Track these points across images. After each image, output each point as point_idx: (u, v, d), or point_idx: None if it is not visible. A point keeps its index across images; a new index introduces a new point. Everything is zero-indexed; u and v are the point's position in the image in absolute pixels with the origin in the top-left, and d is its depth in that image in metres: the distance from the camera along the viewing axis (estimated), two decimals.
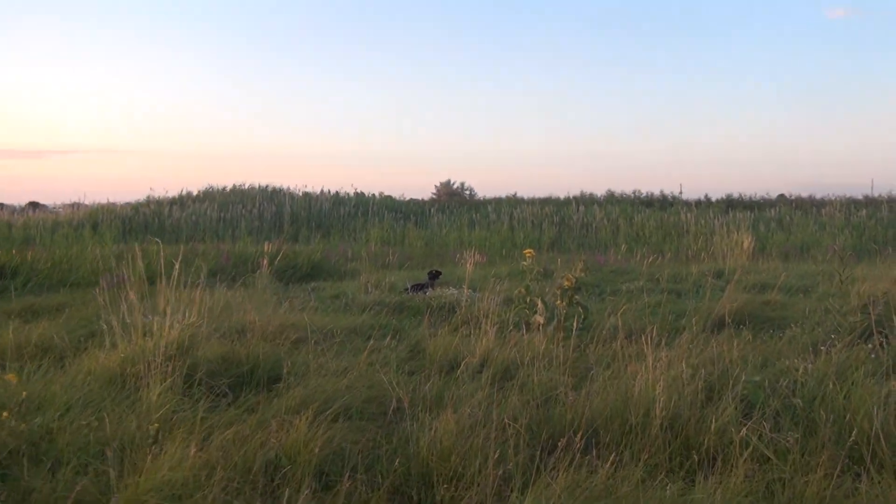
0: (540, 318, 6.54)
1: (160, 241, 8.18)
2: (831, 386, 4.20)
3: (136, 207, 30.13)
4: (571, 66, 61.70)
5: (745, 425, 3.68)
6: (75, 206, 32.31)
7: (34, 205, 36.62)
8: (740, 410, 3.97)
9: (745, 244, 15.67)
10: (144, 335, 5.12)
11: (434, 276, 11.10)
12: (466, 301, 8.41)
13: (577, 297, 6.56)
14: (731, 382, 4.23)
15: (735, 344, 5.46)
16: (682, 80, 60.28)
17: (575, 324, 6.06)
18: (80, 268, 12.74)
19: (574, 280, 6.46)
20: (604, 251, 20.69)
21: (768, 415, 3.93)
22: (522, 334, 5.94)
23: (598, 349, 5.67)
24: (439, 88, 62.84)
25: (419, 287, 10.83)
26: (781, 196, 32.50)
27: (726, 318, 7.36)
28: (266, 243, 13.60)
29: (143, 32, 59.61)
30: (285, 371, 4.51)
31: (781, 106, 58.34)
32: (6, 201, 37.56)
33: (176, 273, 5.97)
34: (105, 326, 5.42)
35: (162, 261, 6.04)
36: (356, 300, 9.62)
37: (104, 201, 31.73)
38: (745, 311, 8.25)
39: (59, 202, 36.29)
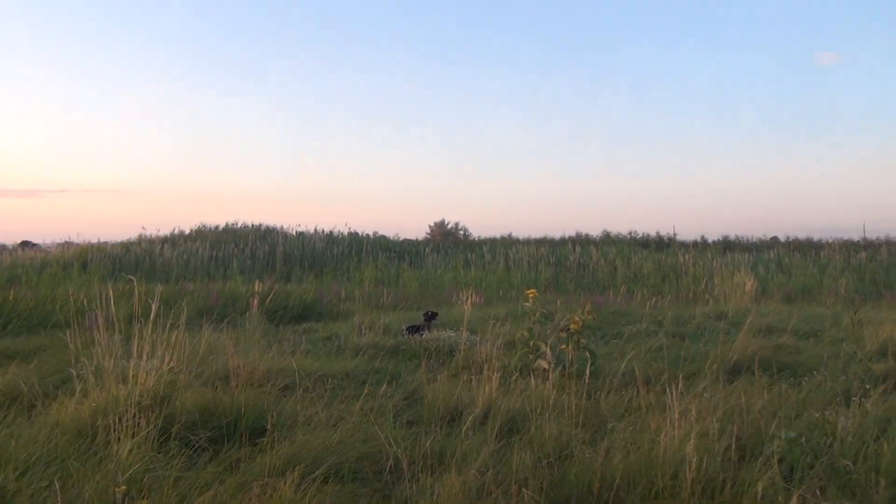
0: (545, 364, 6.14)
1: (134, 280, 7.74)
2: (873, 444, 3.80)
3: (126, 246, 29.75)
4: (564, 106, 62.03)
5: (789, 489, 3.27)
6: (66, 246, 31.95)
7: (26, 243, 36.18)
8: (780, 472, 3.55)
9: (748, 286, 15.34)
10: (119, 382, 4.69)
11: (430, 317, 10.70)
12: (465, 344, 8.01)
13: (583, 340, 6.17)
14: (763, 438, 3.82)
15: (758, 393, 5.06)
16: (676, 121, 60.62)
17: (587, 370, 5.66)
18: (64, 308, 12.29)
19: (581, 323, 6.08)
20: (602, 292, 20.34)
21: (811, 476, 3.52)
22: (529, 381, 5.53)
23: (611, 398, 5.26)
24: (432, 128, 63.05)
25: (415, 329, 10.42)
26: (776, 238, 32.36)
27: (740, 363, 6.98)
28: (256, 282, 13.16)
29: (136, 69, 59.76)
30: (270, 424, 4.08)
31: (774, 147, 58.63)
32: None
33: (153, 314, 5.53)
34: (75, 373, 4.99)
35: (138, 302, 5.58)
36: (349, 342, 9.20)
37: (95, 240, 31.42)
38: (759, 356, 7.85)
39: (51, 241, 35.90)
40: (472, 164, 61.85)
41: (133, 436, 3.97)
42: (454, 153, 62.78)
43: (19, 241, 37.11)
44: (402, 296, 17.85)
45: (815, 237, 30.64)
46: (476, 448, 3.98)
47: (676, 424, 3.76)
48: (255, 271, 27.18)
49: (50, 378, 6.40)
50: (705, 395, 4.75)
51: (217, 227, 34.23)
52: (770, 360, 8.01)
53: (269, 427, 4.12)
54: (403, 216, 61.19)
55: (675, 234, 32.30)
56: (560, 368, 6.00)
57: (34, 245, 34.91)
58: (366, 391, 5.64)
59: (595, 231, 33.78)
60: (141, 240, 31.42)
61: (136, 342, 5.36)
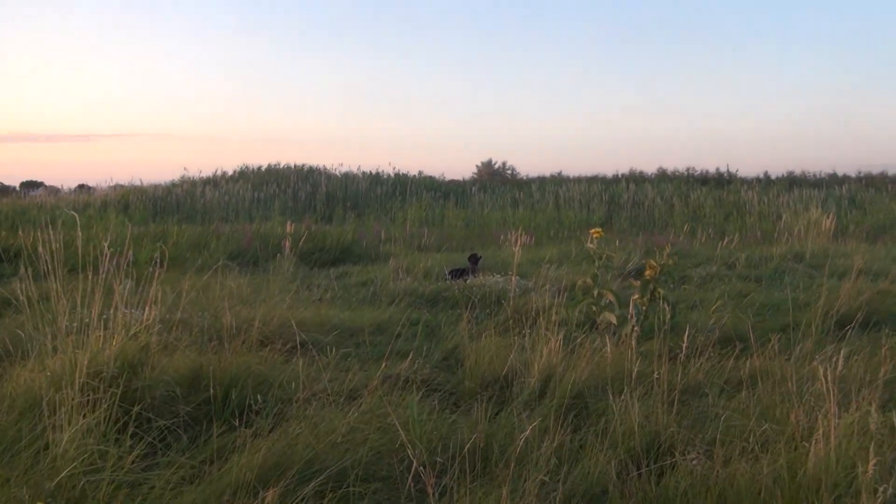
0: (612, 317, 5.05)
1: (176, 222, 6.84)
2: None
3: (168, 188, 29.17)
4: (611, 42, 59.28)
5: None
6: (116, 188, 31.62)
7: (82, 187, 36.03)
8: None
9: (825, 224, 13.87)
10: (80, 346, 3.74)
11: (475, 260, 9.63)
12: (515, 291, 6.94)
13: (660, 289, 5.05)
14: None
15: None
16: (729, 54, 57.44)
17: (664, 326, 4.55)
18: (85, 251, 11.58)
19: (657, 269, 4.95)
20: (660, 231, 19.00)
21: None
22: (595, 340, 4.45)
23: (704, 364, 4.15)
24: (478, 67, 60.99)
25: (458, 273, 9.39)
26: (845, 174, 30.24)
27: (847, 316, 5.78)
28: (288, 223, 12.23)
29: (184, 16, 58.82)
30: (258, 403, 3.11)
31: (835, 80, 55.23)
32: (56, 183, 37.17)
33: (155, 258, 4.59)
34: (42, 332, 4.08)
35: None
36: (385, 289, 8.21)
37: (139, 183, 30.96)
38: (864, 305, 6.63)
39: (105, 184, 35.70)
40: (520, 102, 59.87)
41: (84, 416, 3.04)
42: (501, 92, 60.79)
43: (76, 185, 37.02)
44: (447, 236, 16.81)
45: (890, 171, 28.47)
46: (534, 442, 2.94)
47: (830, 425, 2.58)
48: (297, 212, 26.41)
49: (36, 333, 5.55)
50: (834, 358, 3.58)
51: (260, 168, 33.43)
52: (877, 309, 6.79)
53: (260, 406, 3.14)
54: (450, 158, 59.89)
55: (735, 171, 30.45)
56: (632, 324, 4.91)
57: (90, 189, 34.69)
58: (393, 347, 4.64)
59: (650, 168, 32.09)
60: (183, 181, 30.81)
61: (146, 291, 4.43)
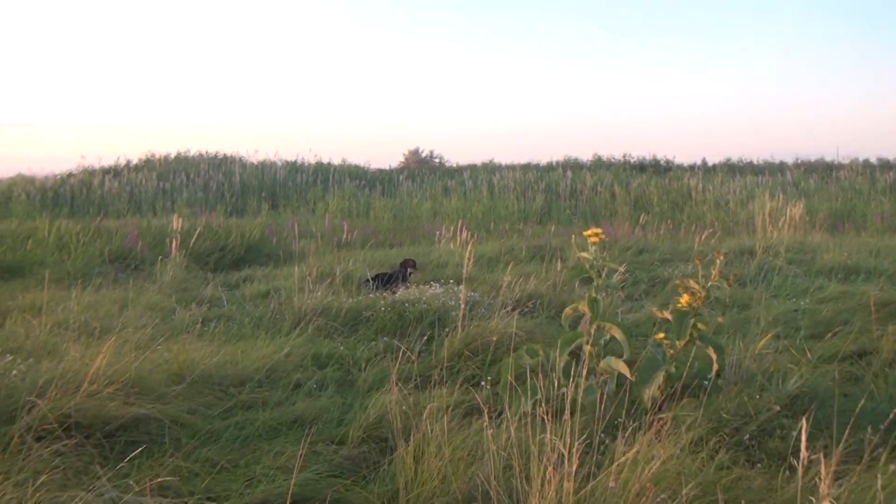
0: (621, 366, 3.25)
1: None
2: None
3: (62, 178, 26.22)
4: (541, 26, 57.99)
5: None
6: None
7: None
8: None
9: (795, 212, 12.51)
10: None
11: (406, 266, 7.73)
12: (464, 310, 5.06)
13: (701, 326, 3.27)
14: None
15: None
16: (656, 41, 56.95)
17: (710, 380, 2.77)
18: None
19: (702, 295, 3.18)
20: (604, 221, 17.50)
21: None
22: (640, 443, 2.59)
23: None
24: (402, 52, 58.84)
25: (385, 279, 7.50)
26: (782, 162, 29.54)
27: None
28: (176, 218, 10.03)
29: None
30: None
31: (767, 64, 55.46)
32: None
33: None
34: None
35: None
36: (289, 305, 6.22)
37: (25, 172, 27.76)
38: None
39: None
40: (446, 89, 58.05)
41: None
42: (426, 78, 58.83)
43: None
44: (373, 230, 14.86)
45: (827, 158, 27.87)
46: None
47: None
48: (207, 203, 24.04)
49: None
50: None
51: (167, 157, 30.59)
52: None
53: None
54: (374, 147, 57.54)
55: (673, 157, 29.38)
56: (657, 382, 3.12)
57: None
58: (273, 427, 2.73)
59: (585, 156, 30.71)
60: (79, 171, 27.78)
61: None
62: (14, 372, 3.53)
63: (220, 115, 55.59)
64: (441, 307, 5.69)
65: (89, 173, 27.20)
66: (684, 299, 3.21)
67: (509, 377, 3.63)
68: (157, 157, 30.57)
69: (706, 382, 3.19)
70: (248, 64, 58.36)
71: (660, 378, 3.12)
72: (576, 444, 2.13)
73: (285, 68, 58.19)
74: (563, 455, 2.15)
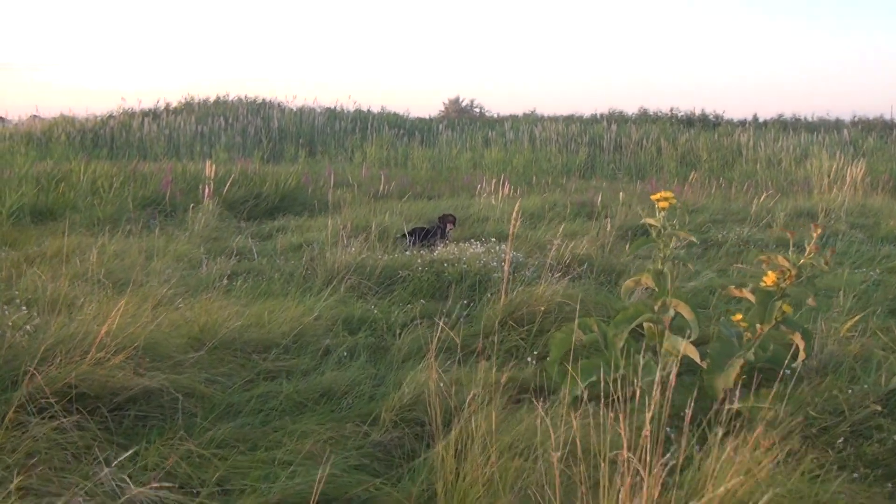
0: (690, 349, 2.85)
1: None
2: None
3: (103, 120, 26.12)
4: None
5: None
6: (37, 119, 28.35)
7: (35, 117, 32.27)
8: None
9: (857, 173, 11.79)
10: None
11: (446, 221, 7.33)
12: (508, 272, 4.65)
13: (786, 307, 2.84)
14: None
15: None
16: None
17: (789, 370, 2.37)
18: None
19: (793, 272, 2.75)
20: (652, 176, 16.84)
21: None
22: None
23: None
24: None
25: (423, 235, 7.12)
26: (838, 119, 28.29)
27: None
28: (208, 164, 9.72)
29: None
30: None
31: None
32: (10, 113, 33.34)
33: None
34: None
35: None
36: (322, 260, 5.89)
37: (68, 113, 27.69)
38: None
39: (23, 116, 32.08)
40: (488, 37, 56.67)
41: None
42: (468, 26, 57.46)
43: (28, 115, 33.23)
44: (410, 181, 14.44)
45: (887, 116, 26.58)
46: None
47: None
48: (245, 149, 23.82)
49: None
50: None
51: (206, 101, 30.31)
52: None
53: None
54: (414, 95, 56.65)
55: (722, 112, 28.28)
56: (736, 365, 2.72)
57: (1, 119, 31.16)
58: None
59: (630, 108, 29.71)
60: (119, 113, 27.66)
61: None
62: (22, 331, 3.25)
63: (261, 61, 55.09)
64: (482, 268, 5.31)
65: (129, 115, 27.10)
66: (770, 277, 2.79)
67: (559, 355, 3.27)
68: (197, 100, 30.32)
69: (787, 371, 2.78)
70: (288, 12, 57.57)
71: (736, 366, 2.72)
72: (656, 462, 1.76)
73: (326, 15, 57.27)
74: (638, 470, 1.77)
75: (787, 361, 2.74)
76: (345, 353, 3.82)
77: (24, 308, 3.88)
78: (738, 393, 2.76)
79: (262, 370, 3.45)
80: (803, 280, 2.77)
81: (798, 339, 2.76)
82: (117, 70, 50.73)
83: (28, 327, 3.34)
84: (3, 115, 31.02)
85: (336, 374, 3.44)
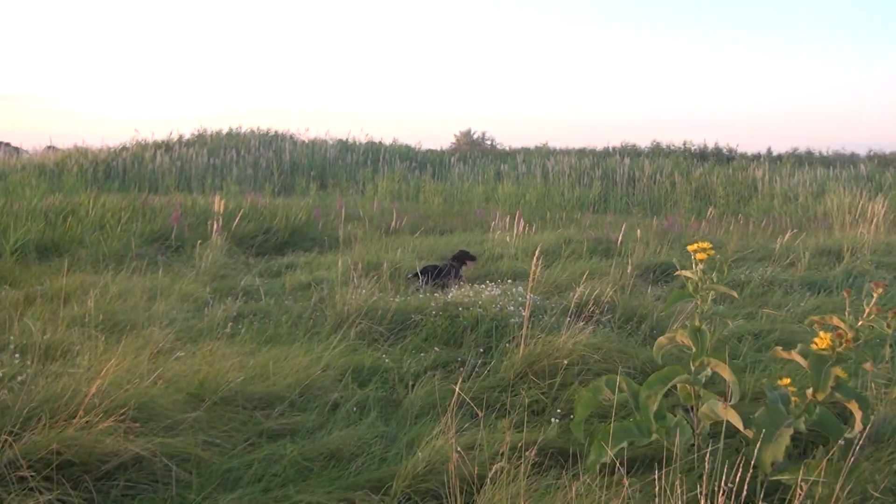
0: (732, 415, 2.59)
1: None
2: None
3: (116, 152, 26.16)
4: (598, 9, 56.46)
5: None
6: (52, 150, 28.49)
7: (51, 147, 32.35)
8: None
9: (879, 210, 11.53)
10: None
11: (462, 259, 7.11)
12: (528, 318, 4.41)
13: (841, 372, 2.58)
14: None
15: None
16: (718, 28, 54.91)
17: None
18: None
19: (851, 336, 2.50)
20: (671, 213, 16.59)
21: None
22: None
23: None
24: (456, 32, 57.89)
25: (436, 273, 6.88)
26: (854, 153, 28.08)
27: None
28: (216, 199, 9.56)
29: None
30: None
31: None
32: (27, 144, 33.55)
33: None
34: None
35: None
36: (332, 302, 5.66)
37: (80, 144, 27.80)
38: None
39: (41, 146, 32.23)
40: (500, 70, 56.97)
41: None
42: (480, 59, 57.84)
43: (44, 147, 33.37)
44: (422, 215, 14.25)
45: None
46: None
47: None
48: (256, 181, 23.79)
49: None
50: None
51: (219, 133, 30.44)
52: None
53: None
54: (426, 126, 56.83)
55: (736, 146, 28.08)
56: (786, 436, 2.46)
57: (17, 149, 31.28)
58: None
59: (643, 142, 29.57)
60: (132, 144, 27.74)
61: None
62: (9, 386, 3.03)
63: (274, 94, 55.54)
64: (499, 313, 5.06)
65: (142, 147, 27.18)
66: (824, 340, 2.53)
67: (585, 415, 3.02)
68: (209, 132, 30.50)
69: (842, 442, 2.52)
70: (302, 45, 58.15)
71: (786, 436, 2.47)
72: None
73: (340, 48, 57.84)
74: None
75: (841, 432, 2.48)
76: (354, 409, 3.58)
77: (17, 356, 3.67)
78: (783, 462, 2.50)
79: (265, 429, 3.20)
80: (860, 344, 2.52)
81: (855, 409, 2.50)
82: (133, 101, 51.15)
83: (18, 379, 3.13)
84: (19, 146, 31.16)
85: (344, 433, 3.20)
